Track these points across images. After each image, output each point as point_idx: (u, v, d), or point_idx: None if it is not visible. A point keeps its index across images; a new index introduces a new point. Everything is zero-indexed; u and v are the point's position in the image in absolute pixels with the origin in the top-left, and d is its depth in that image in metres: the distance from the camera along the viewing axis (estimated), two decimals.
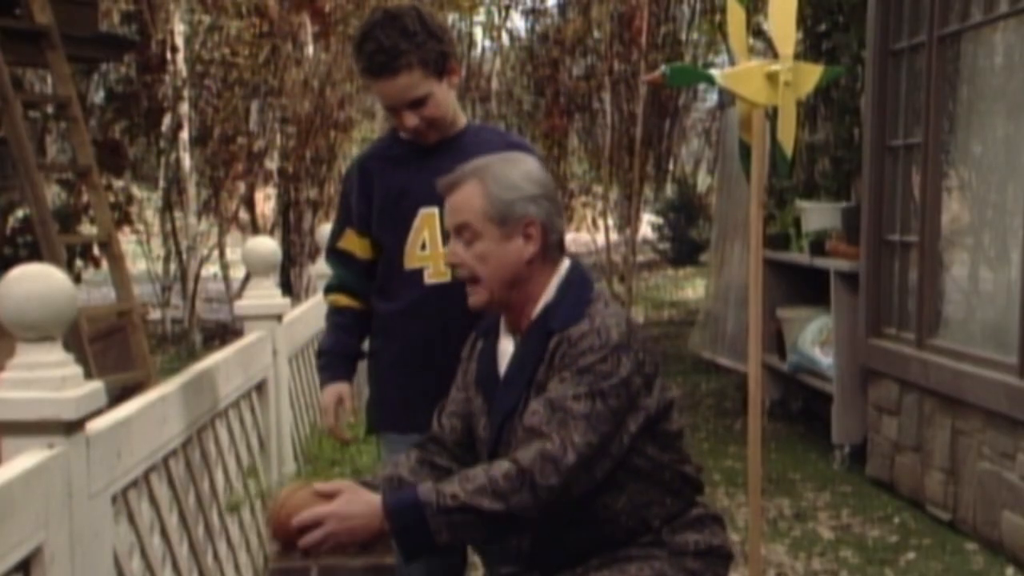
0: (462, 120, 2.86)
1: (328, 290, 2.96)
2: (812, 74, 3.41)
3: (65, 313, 2.01)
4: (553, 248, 2.30)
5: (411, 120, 2.71)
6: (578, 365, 2.14)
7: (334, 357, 2.90)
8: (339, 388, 2.86)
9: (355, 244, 2.86)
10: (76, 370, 2.03)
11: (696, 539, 2.27)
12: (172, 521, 2.67)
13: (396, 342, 2.82)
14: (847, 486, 5.76)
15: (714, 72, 3.57)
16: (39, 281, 2.00)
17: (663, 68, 3.38)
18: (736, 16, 3.36)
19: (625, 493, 2.21)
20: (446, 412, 2.42)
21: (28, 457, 1.90)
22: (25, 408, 1.95)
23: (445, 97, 2.73)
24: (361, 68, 2.76)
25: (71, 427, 2.00)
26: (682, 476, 2.29)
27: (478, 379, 2.36)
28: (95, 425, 2.13)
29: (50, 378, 1.98)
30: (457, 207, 2.29)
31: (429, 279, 2.74)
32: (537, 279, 2.28)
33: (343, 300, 2.90)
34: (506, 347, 2.33)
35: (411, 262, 2.76)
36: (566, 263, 2.33)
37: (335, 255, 2.91)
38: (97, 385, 2.08)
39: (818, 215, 6.50)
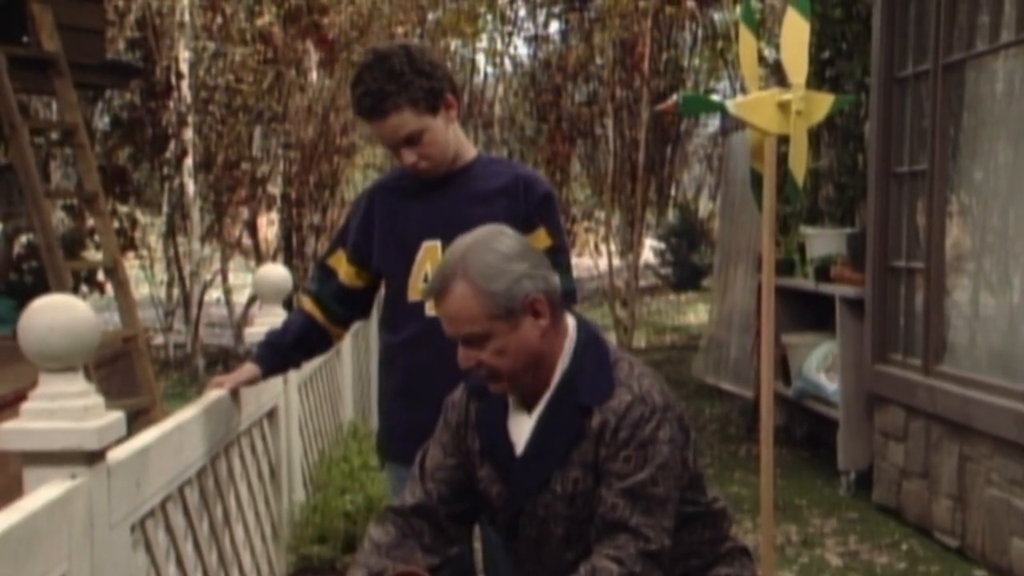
0: (470, 152, 2.86)
1: (305, 293, 3.00)
2: (823, 103, 3.42)
3: (88, 343, 2.01)
4: (559, 311, 2.24)
5: (410, 157, 2.73)
6: (637, 439, 2.13)
7: (265, 346, 2.95)
8: (249, 369, 2.93)
9: (341, 266, 2.89)
10: (98, 400, 2.03)
11: (727, 573, 2.28)
12: (187, 549, 2.67)
13: (399, 373, 2.85)
14: (854, 512, 5.75)
15: (726, 101, 3.58)
16: (62, 312, 2.00)
17: (676, 97, 3.40)
18: (747, 45, 3.37)
19: (676, 539, 2.20)
20: (433, 479, 2.34)
21: (51, 488, 1.89)
22: (48, 438, 1.95)
23: (442, 132, 2.74)
24: (354, 111, 2.81)
25: (93, 457, 2.00)
26: (718, 513, 2.30)
27: (485, 451, 2.29)
28: (115, 455, 2.13)
29: (72, 408, 1.98)
30: (455, 318, 2.19)
31: (430, 311, 2.73)
32: (552, 348, 2.22)
33: (308, 306, 2.94)
34: (519, 419, 2.27)
35: (414, 294, 2.78)
36: (572, 323, 2.28)
37: (321, 268, 2.97)
38: (118, 415, 2.07)
39: (823, 241, 6.52)
